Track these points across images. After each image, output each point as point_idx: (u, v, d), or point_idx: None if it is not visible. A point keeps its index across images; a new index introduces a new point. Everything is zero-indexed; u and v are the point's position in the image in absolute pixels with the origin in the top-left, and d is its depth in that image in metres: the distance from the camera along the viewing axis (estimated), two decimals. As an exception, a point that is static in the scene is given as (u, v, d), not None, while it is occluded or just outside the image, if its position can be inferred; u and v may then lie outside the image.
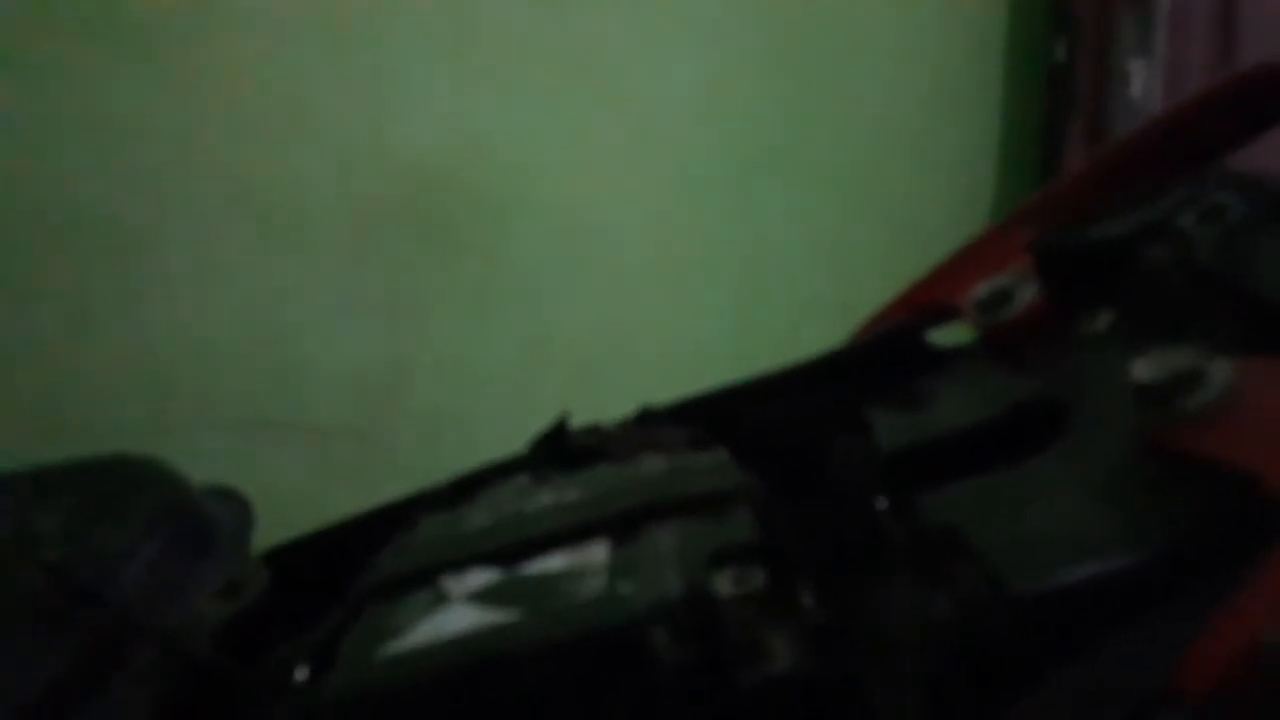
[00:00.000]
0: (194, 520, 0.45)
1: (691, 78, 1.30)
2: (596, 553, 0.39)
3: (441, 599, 0.38)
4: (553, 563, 0.39)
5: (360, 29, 1.21)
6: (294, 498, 1.08)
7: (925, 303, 0.56)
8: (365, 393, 1.26)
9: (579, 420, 0.63)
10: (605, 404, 1.41)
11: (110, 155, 1.12)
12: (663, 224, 1.33)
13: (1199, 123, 0.47)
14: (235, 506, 0.48)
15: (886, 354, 0.55)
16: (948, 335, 0.59)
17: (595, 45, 1.27)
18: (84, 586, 0.38)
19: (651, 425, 0.53)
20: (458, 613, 0.37)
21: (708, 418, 0.52)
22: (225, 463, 1.20)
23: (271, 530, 0.61)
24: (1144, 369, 0.33)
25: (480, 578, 0.39)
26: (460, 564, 0.41)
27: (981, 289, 0.50)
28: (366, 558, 0.46)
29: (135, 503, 0.43)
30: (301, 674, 0.36)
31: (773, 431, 0.48)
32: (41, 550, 0.40)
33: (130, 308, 1.17)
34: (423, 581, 0.40)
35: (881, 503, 0.41)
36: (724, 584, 0.34)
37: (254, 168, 1.19)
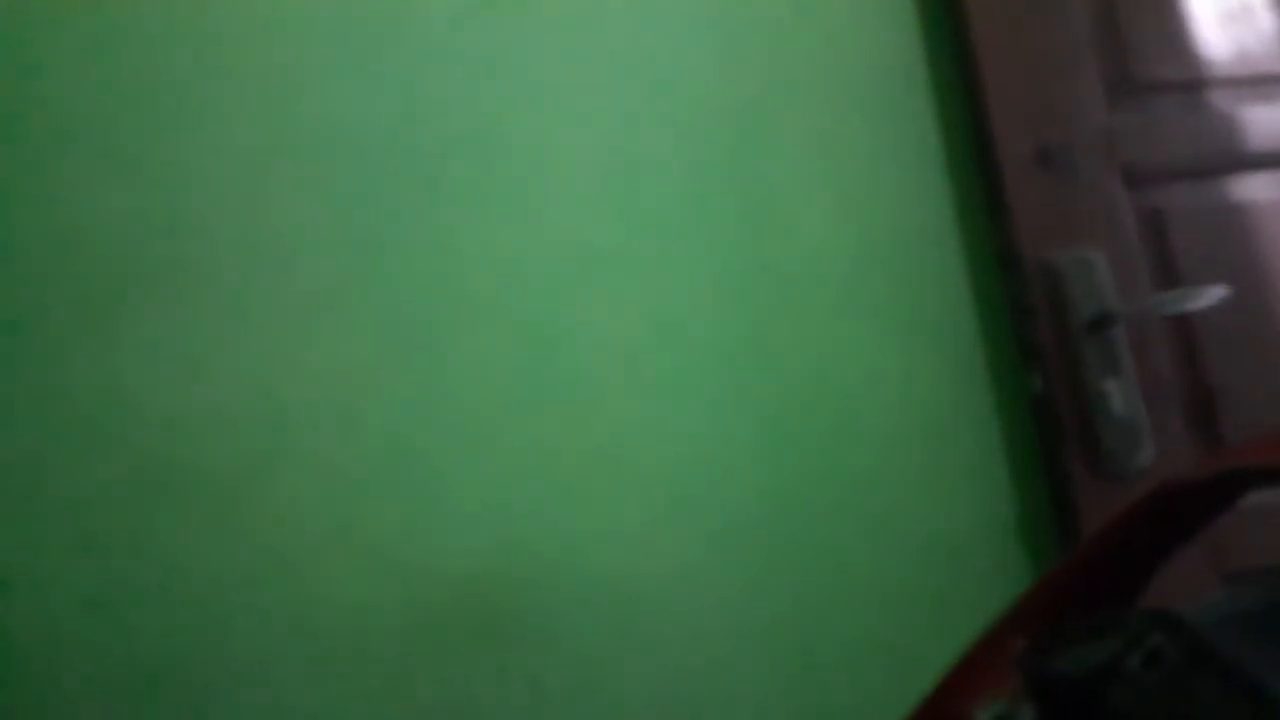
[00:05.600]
0: None
1: (698, 443, 1.40)
2: None
3: None
4: None
5: (396, 446, 1.33)
6: None
7: (941, 716, 0.60)
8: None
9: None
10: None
11: (179, 612, 1.21)
12: (696, 583, 1.38)
13: (1131, 539, 0.54)
14: None
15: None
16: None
17: (612, 428, 1.39)
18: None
19: None
20: None
21: None
22: None
23: None
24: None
25: None
26: None
27: (984, 715, 0.54)
28: None
29: None
30: None
31: None
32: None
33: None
34: None
35: None
36: None
37: (311, 599, 1.27)
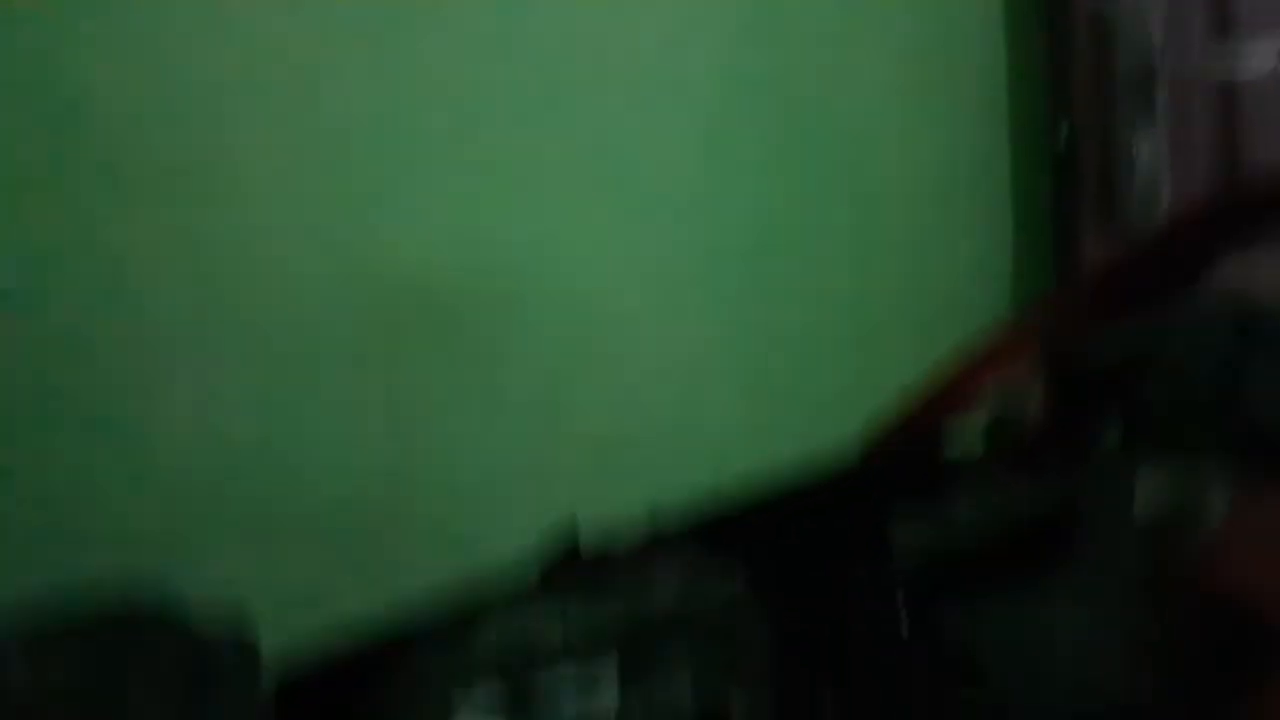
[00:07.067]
0: (204, 673, 0.45)
1: (694, 162, 1.32)
2: (605, 667, 0.42)
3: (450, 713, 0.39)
4: (563, 673, 0.41)
5: (358, 133, 1.23)
6: (302, 598, 1.08)
7: (944, 401, 0.57)
8: (375, 495, 1.26)
9: (597, 511, 0.62)
10: (621, 495, 1.38)
11: (114, 292, 1.13)
12: (670, 309, 1.34)
13: (1189, 239, 0.50)
14: (244, 654, 0.48)
15: (909, 459, 0.56)
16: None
17: (595, 134, 1.29)
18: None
19: (664, 546, 0.52)
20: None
21: (726, 535, 0.52)
22: (234, 566, 1.19)
23: (279, 631, 0.61)
24: (1148, 499, 0.35)
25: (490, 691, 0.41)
26: (469, 678, 0.42)
27: (997, 396, 0.50)
28: (373, 689, 0.47)
29: (147, 663, 0.44)
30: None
31: (794, 556, 0.48)
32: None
33: (140, 421, 1.18)
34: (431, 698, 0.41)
35: (904, 628, 0.42)
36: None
37: (259, 284, 1.20)
